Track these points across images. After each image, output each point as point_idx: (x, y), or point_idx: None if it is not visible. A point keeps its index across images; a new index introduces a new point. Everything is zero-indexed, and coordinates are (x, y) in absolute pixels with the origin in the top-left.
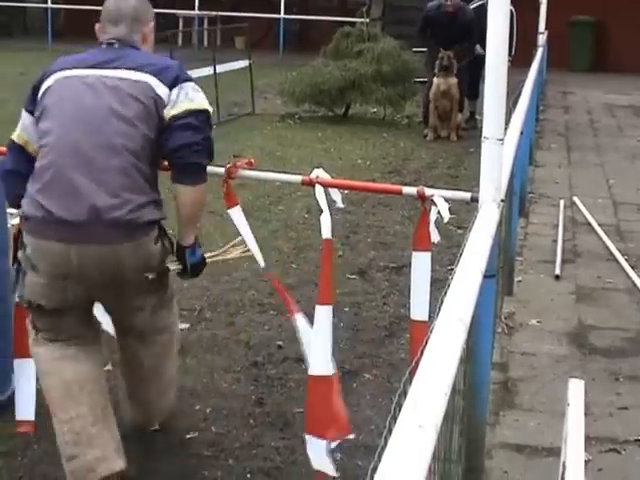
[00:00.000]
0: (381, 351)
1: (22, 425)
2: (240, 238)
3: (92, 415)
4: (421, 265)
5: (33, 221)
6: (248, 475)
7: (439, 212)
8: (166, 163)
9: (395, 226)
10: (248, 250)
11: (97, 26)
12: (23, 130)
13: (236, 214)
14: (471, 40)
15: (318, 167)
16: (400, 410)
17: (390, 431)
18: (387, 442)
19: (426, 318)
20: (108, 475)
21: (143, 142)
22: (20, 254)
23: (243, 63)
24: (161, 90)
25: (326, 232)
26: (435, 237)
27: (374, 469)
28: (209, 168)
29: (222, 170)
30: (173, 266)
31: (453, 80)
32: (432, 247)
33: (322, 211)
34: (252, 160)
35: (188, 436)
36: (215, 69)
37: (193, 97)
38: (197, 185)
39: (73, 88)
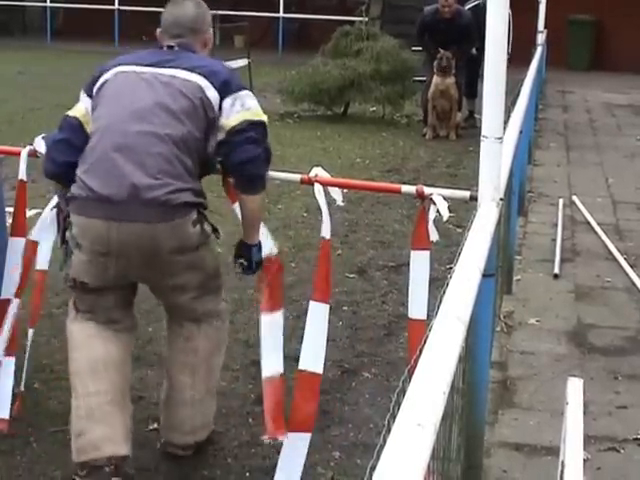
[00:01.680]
0: (380, 350)
1: None
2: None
3: (110, 394)
4: (420, 264)
5: (78, 200)
6: (247, 474)
7: (438, 211)
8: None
9: (394, 225)
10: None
11: (158, 32)
12: (85, 110)
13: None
14: (469, 43)
15: (317, 166)
16: (399, 409)
17: (389, 430)
18: (386, 441)
19: (424, 317)
20: (112, 456)
21: (187, 137)
22: (67, 234)
23: (242, 62)
24: (210, 92)
25: (325, 231)
26: (434, 236)
27: (373, 468)
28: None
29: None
30: (240, 260)
31: (451, 80)
32: (431, 246)
33: (321, 210)
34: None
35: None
36: None
37: (250, 106)
38: (259, 193)
39: (129, 81)
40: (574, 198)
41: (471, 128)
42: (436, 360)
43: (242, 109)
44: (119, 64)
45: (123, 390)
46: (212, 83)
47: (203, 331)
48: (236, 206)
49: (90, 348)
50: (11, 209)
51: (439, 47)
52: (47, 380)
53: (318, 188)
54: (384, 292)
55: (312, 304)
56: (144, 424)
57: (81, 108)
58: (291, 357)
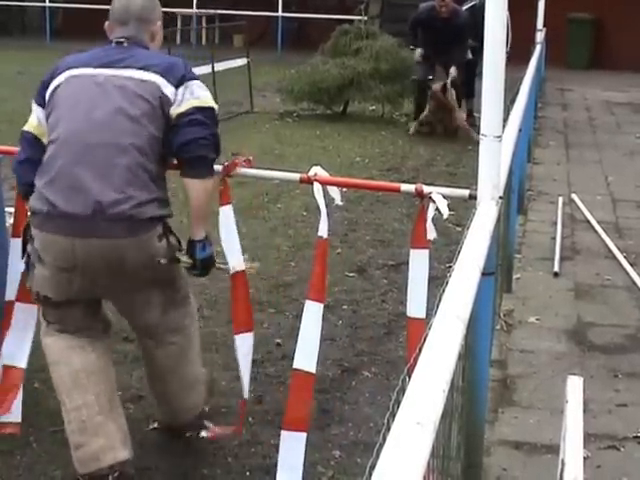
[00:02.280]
0: (380, 349)
1: (8, 427)
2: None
3: (98, 404)
4: (419, 262)
5: (39, 215)
6: (247, 473)
7: (437, 209)
8: (175, 162)
9: (394, 224)
10: (252, 269)
11: (106, 25)
12: (37, 122)
13: (226, 213)
14: (463, 44)
15: (316, 165)
16: (399, 407)
17: (388, 428)
18: (386, 439)
19: (423, 315)
20: (113, 464)
21: (150, 141)
22: (29, 247)
23: (241, 61)
24: (168, 90)
25: (322, 231)
26: (432, 234)
27: (373, 466)
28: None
29: (220, 168)
30: (183, 258)
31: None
32: (430, 245)
33: (320, 209)
34: (250, 159)
35: (187, 434)
36: (213, 67)
37: (199, 95)
38: (205, 178)
39: (83, 86)
40: (573, 196)
41: (470, 126)
42: (436, 358)
43: (191, 97)
44: (70, 67)
45: (111, 395)
46: (169, 80)
47: (163, 351)
48: (221, 209)
49: (68, 361)
50: (11, 209)
51: (432, 46)
52: (47, 380)
53: (317, 187)
54: (384, 291)
55: (308, 303)
56: (145, 423)
57: (33, 120)
58: (289, 357)
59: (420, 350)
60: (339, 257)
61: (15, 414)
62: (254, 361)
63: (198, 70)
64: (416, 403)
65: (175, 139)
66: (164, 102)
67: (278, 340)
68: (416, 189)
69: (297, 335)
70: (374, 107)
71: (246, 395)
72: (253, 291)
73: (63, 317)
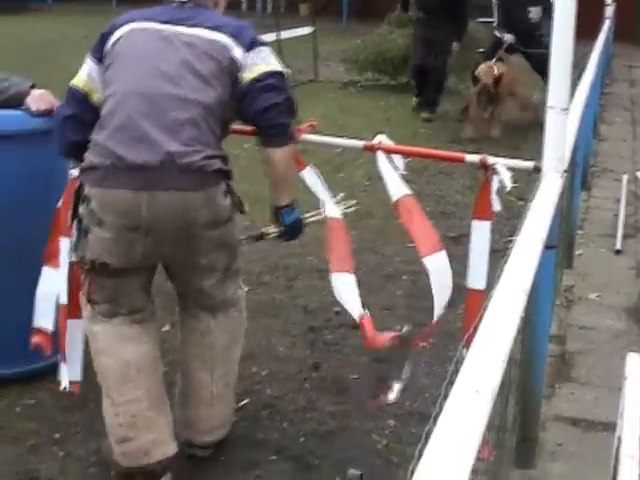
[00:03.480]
0: (439, 319)
1: (73, 386)
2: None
3: (149, 399)
4: (480, 234)
5: (101, 170)
6: (302, 439)
7: (501, 181)
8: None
9: (456, 195)
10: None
11: None
12: (87, 77)
13: (308, 175)
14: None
15: (380, 134)
16: (456, 376)
17: (446, 397)
18: (442, 407)
19: (483, 287)
20: (162, 459)
21: (216, 101)
22: (82, 209)
23: (307, 30)
24: (237, 52)
25: (401, 191)
26: (496, 206)
27: (428, 434)
28: None
29: None
30: (270, 230)
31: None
32: (492, 216)
33: (383, 178)
34: (314, 123)
35: (244, 400)
36: (279, 35)
37: (269, 60)
38: (285, 146)
39: (148, 39)
40: (638, 174)
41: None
42: (495, 329)
43: (262, 62)
44: (133, 20)
45: (160, 389)
46: (238, 42)
47: (220, 324)
48: (303, 173)
49: (118, 353)
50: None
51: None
52: None
53: (380, 155)
54: None
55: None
56: None
57: (82, 75)
58: (347, 324)
59: (479, 320)
60: (400, 227)
61: (75, 373)
62: (312, 328)
63: (263, 38)
64: (474, 372)
65: (252, 106)
66: (233, 64)
67: (337, 308)
68: (480, 160)
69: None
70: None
71: (361, 311)
72: (312, 258)
73: (117, 293)
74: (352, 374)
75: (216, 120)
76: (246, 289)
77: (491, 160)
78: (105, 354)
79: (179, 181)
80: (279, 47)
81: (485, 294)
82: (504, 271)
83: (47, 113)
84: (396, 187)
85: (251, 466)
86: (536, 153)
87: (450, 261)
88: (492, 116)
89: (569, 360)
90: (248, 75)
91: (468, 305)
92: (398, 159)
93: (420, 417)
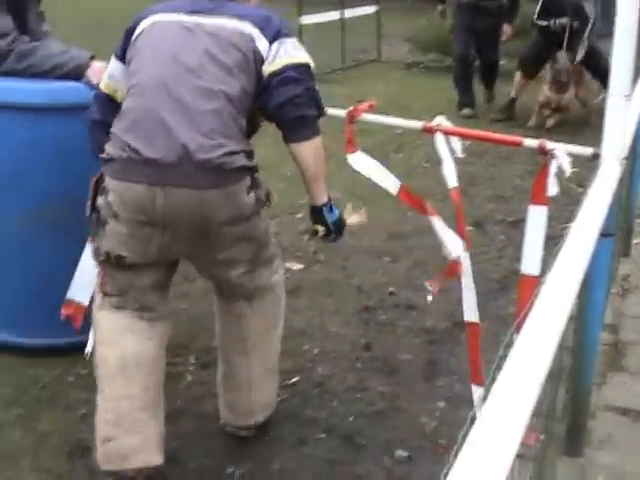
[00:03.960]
0: (491, 304)
1: None
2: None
3: (143, 399)
4: (537, 218)
5: (118, 162)
6: (351, 418)
7: (560, 166)
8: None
9: (515, 180)
10: (365, 220)
11: None
12: (111, 78)
13: (355, 160)
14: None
15: (440, 115)
16: (505, 361)
17: (493, 380)
18: (490, 391)
19: (537, 273)
20: (142, 467)
21: (240, 93)
22: (101, 201)
23: (371, 9)
24: (261, 43)
25: (451, 181)
26: (553, 190)
27: (474, 417)
28: (332, 111)
29: (344, 113)
30: (319, 228)
31: (569, 95)
32: (550, 202)
33: (441, 160)
34: (374, 102)
35: (295, 377)
36: (342, 13)
37: (292, 53)
38: (311, 139)
39: (170, 31)
40: None
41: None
42: (547, 315)
43: (284, 55)
44: (157, 12)
45: (157, 392)
46: (263, 33)
47: (255, 309)
48: (350, 157)
49: (120, 345)
50: None
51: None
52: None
53: (439, 137)
54: (500, 247)
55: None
56: None
57: (105, 78)
58: (401, 305)
59: (531, 306)
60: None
61: None
62: (365, 307)
63: (327, 16)
64: (524, 358)
65: (269, 102)
66: (257, 55)
67: (391, 289)
68: (539, 145)
69: (412, 285)
70: (503, 62)
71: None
72: (369, 238)
73: (129, 286)
74: (404, 355)
75: (240, 112)
76: (301, 267)
77: (550, 145)
78: (105, 344)
79: (195, 178)
80: (342, 26)
81: (539, 280)
82: (558, 258)
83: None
84: (450, 174)
85: (299, 443)
86: (598, 140)
87: (507, 246)
88: (558, 107)
89: (622, 349)
90: (269, 68)
91: (521, 290)
92: (457, 142)
93: (470, 401)
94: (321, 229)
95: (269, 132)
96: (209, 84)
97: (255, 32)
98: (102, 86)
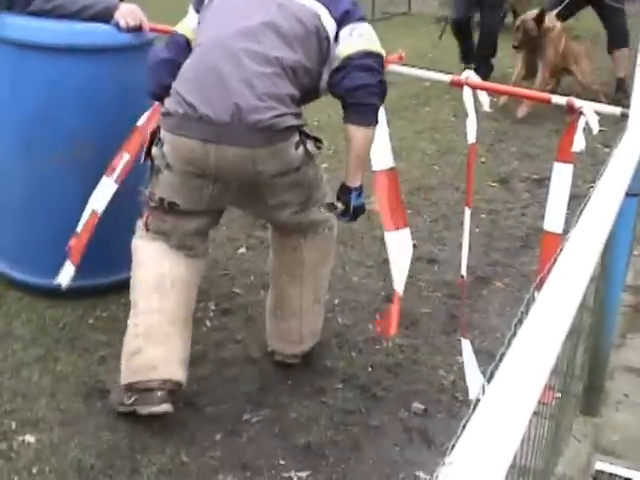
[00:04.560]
0: (514, 261)
1: None
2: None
3: (173, 314)
4: (562, 176)
5: (174, 117)
6: (369, 369)
7: (587, 123)
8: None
9: (542, 138)
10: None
11: None
12: (191, 28)
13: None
14: None
15: (469, 69)
16: (527, 317)
17: (515, 334)
18: (510, 345)
19: (560, 231)
20: (167, 379)
21: (296, 65)
22: (155, 150)
23: None
24: (327, 21)
25: (471, 136)
26: (580, 146)
27: (493, 373)
28: None
29: None
30: (338, 204)
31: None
32: (575, 160)
33: (468, 115)
34: (403, 54)
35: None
36: None
37: (369, 38)
38: (370, 127)
39: None
40: None
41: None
42: (569, 273)
43: (360, 39)
44: None
45: (187, 312)
46: (331, 11)
47: (310, 241)
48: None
49: (157, 265)
50: None
51: None
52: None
53: (467, 91)
54: (525, 204)
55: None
56: None
57: (188, 25)
58: (424, 258)
59: (554, 263)
60: (483, 166)
61: None
62: (386, 259)
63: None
64: (545, 314)
65: (343, 82)
66: (321, 33)
67: (413, 241)
68: (567, 102)
69: (434, 239)
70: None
71: (400, 291)
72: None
73: (173, 229)
74: (424, 308)
75: (294, 82)
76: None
77: (578, 103)
78: (143, 265)
79: (246, 137)
80: None
81: (562, 238)
82: (582, 216)
83: (135, 29)
84: (472, 129)
85: (317, 392)
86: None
87: (531, 204)
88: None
89: None
90: (344, 51)
91: (544, 248)
92: (484, 95)
93: (489, 356)
94: (340, 207)
95: None
96: (268, 51)
97: (322, 10)
98: (182, 30)
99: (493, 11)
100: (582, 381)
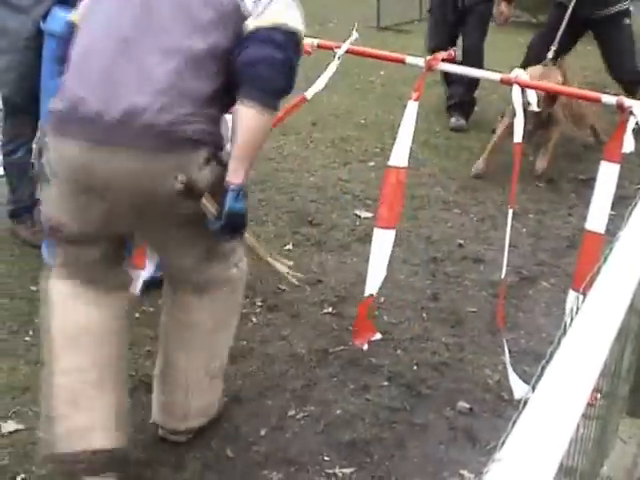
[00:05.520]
0: (560, 261)
1: None
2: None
3: (97, 372)
4: (608, 176)
5: (57, 115)
6: (415, 367)
7: (638, 123)
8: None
9: (590, 138)
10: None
11: None
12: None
13: (411, 108)
14: None
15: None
16: (574, 319)
17: (565, 331)
18: (559, 345)
19: (602, 231)
20: (98, 450)
21: (212, 53)
22: (43, 157)
23: None
24: None
25: (518, 136)
26: (629, 147)
27: (542, 372)
28: (410, 60)
29: (422, 62)
30: (208, 205)
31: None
32: (622, 160)
33: (516, 114)
34: (452, 52)
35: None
36: None
37: (286, 13)
38: (265, 108)
39: None
40: None
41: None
42: (618, 274)
43: (276, 12)
44: None
45: (115, 366)
46: None
47: (206, 303)
48: (410, 102)
49: (71, 313)
50: None
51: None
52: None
53: (516, 89)
54: (571, 204)
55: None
56: (319, 307)
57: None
58: (470, 257)
59: (603, 263)
60: (530, 165)
61: None
62: (434, 258)
63: None
64: (593, 316)
65: (241, 55)
66: (239, 10)
67: (460, 241)
68: (617, 101)
69: (480, 239)
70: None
71: (373, 292)
72: (439, 190)
73: (76, 260)
74: (470, 307)
75: (209, 74)
76: (370, 215)
77: (628, 102)
78: (55, 312)
79: (139, 141)
80: None
81: (603, 238)
82: (632, 217)
83: None
84: (520, 129)
85: (362, 389)
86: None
87: (577, 205)
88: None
89: None
90: (255, 22)
91: (584, 247)
92: (533, 94)
93: (534, 356)
94: (211, 210)
95: (345, 81)
96: (175, 42)
97: None
98: (74, 17)
99: (474, 33)
100: (629, 382)
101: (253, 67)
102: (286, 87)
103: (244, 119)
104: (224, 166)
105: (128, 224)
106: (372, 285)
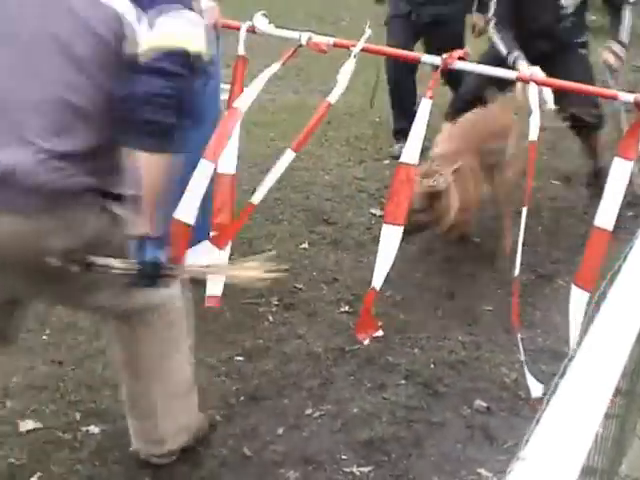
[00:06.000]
0: (577, 259)
1: (211, 300)
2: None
3: None
4: (620, 173)
5: None
6: (432, 365)
7: None
8: None
9: (603, 136)
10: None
11: None
12: None
13: (425, 106)
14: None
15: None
16: (593, 320)
17: (585, 331)
18: (581, 344)
19: (609, 228)
20: None
21: (96, 95)
22: None
23: None
24: (131, 18)
25: (533, 134)
26: None
27: (564, 371)
28: (426, 58)
29: (438, 60)
30: (115, 263)
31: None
32: (636, 158)
33: (532, 112)
34: (467, 51)
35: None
36: None
37: (175, 33)
38: (159, 153)
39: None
40: None
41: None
42: (637, 276)
43: (163, 33)
44: None
45: None
46: (140, 4)
47: (141, 332)
48: (424, 99)
49: None
50: (227, 86)
51: None
52: (245, 253)
53: (532, 87)
54: (587, 203)
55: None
56: (335, 306)
57: None
58: (487, 255)
59: (623, 262)
60: (545, 163)
61: (217, 287)
62: (449, 257)
63: None
64: (613, 316)
65: (125, 94)
66: (128, 39)
67: (477, 239)
68: (635, 99)
69: (495, 236)
70: (594, 17)
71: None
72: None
73: None
74: (486, 305)
75: (99, 123)
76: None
77: None
78: None
79: (21, 203)
80: None
81: (610, 236)
82: None
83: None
84: (535, 127)
85: (379, 388)
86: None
87: (594, 203)
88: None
89: None
90: (144, 43)
91: (590, 242)
92: (549, 92)
93: (551, 355)
94: (119, 266)
95: (360, 79)
96: (50, 90)
97: (124, 3)
98: None
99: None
100: None
101: (139, 109)
102: (181, 122)
103: (147, 166)
104: (118, 217)
105: (15, 288)
106: (377, 280)
